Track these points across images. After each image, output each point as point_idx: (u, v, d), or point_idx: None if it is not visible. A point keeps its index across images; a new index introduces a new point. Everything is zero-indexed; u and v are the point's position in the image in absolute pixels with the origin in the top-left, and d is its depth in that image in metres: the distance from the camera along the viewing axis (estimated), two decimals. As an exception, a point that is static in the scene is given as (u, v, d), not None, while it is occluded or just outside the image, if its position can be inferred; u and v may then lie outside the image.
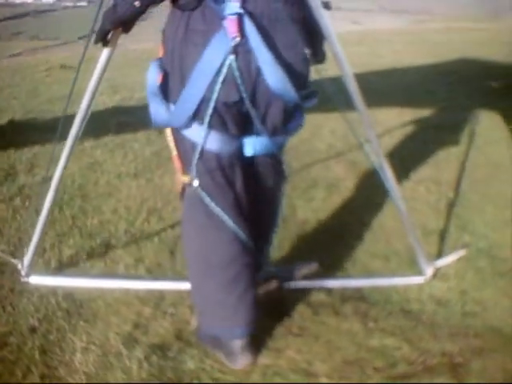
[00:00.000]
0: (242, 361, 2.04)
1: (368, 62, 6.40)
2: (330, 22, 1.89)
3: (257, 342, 2.10)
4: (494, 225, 2.94)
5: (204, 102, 1.83)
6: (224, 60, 1.77)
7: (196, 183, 1.96)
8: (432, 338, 2.15)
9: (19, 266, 2.51)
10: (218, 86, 1.80)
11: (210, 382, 1.98)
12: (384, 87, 5.51)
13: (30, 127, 4.53)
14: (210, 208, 1.98)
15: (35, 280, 2.52)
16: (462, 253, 2.63)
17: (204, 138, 1.90)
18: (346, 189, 3.45)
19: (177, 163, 2.10)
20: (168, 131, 2.07)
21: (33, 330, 2.23)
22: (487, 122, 4.61)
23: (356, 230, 2.95)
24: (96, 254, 2.79)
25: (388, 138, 4.10)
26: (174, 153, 2.09)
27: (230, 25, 1.74)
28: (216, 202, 1.97)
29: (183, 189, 2.10)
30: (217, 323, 2.09)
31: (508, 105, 4.84)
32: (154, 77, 1.91)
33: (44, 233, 2.52)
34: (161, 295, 2.44)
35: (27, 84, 6.20)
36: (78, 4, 15.30)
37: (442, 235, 2.86)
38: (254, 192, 2.11)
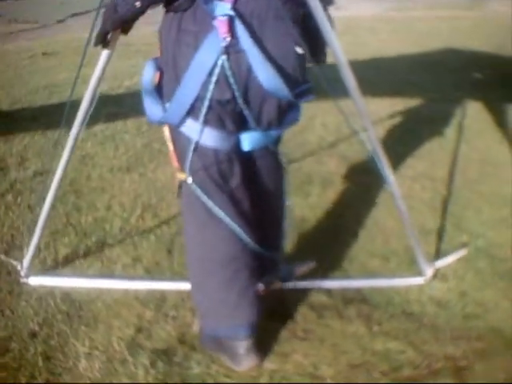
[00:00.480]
0: (247, 362, 2.03)
1: (353, 51, 6.37)
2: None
3: (262, 344, 2.09)
4: (490, 223, 2.95)
5: (198, 99, 1.85)
6: (216, 60, 1.79)
7: (190, 180, 1.97)
8: (435, 341, 2.17)
9: (19, 267, 2.48)
10: (211, 86, 1.82)
11: (217, 387, 1.98)
12: (370, 77, 5.47)
13: (18, 118, 4.45)
14: (206, 205, 1.98)
15: (34, 281, 2.48)
16: (462, 253, 2.64)
17: (199, 133, 1.91)
18: (341, 184, 3.44)
19: (174, 160, 2.09)
20: (165, 128, 2.07)
21: (33, 334, 2.20)
22: (475, 114, 4.62)
23: (353, 229, 2.94)
24: (92, 253, 2.75)
25: (376, 128, 4.06)
26: (171, 149, 2.09)
27: (221, 26, 1.76)
28: (212, 198, 1.98)
29: (180, 186, 2.09)
30: (219, 323, 2.08)
31: (495, 96, 4.87)
32: (149, 75, 1.93)
33: (43, 233, 2.48)
34: (161, 297, 2.42)
35: (11, 72, 6.09)
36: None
37: (440, 234, 2.87)
38: (255, 187, 2.12)
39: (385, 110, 4.65)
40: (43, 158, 3.68)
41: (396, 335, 2.19)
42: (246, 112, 1.90)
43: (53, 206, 2.83)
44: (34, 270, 2.53)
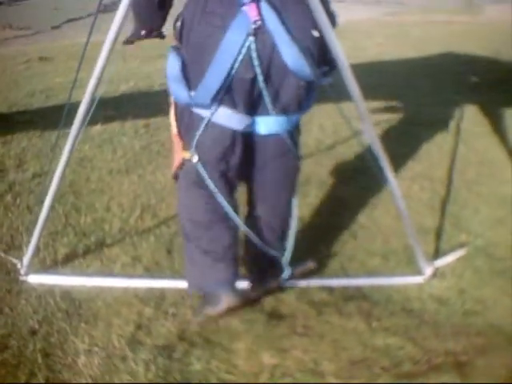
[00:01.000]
0: (226, 303, 2.17)
1: (352, 55, 6.37)
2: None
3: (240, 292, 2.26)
4: (488, 223, 2.97)
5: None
6: (244, 41, 1.89)
7: (195, 159, 2.07)
8: (435, 336, 2.17)
9: (18, 266, 2.47)
10: (237, 65, 1.91)
11: (218, 382, 1.97)
12: (369, 81, 5.49)
13: (15, 121, 4.45)
14: (201, 177, 2.09)
15: (34, 279, 2.48)
16: (461, 252, 2.65)
17: (213, 111, 2.00)
18: (339, 185, 3.45)
19: (177, 141, 2.18)
20: (172, 110, 2.16)
21: (33, 332, 2.19)
22: (473, 117, 4.65)
23: (352, 228, 2.96)
24: (91, 252, 2.75)
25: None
26: (175, 130, 2.17)
27: (251, 9, 1.88)
28: (209, 173, 2.08)
29: (181, 166, 2.18)
30: (202, 280, 2.25)
31: (493, 99, 4.90)
32: (174, 64, 2.01)
33: (43, 232, 2.48)
34: (161, 295, 2.42)
35: (7, 77, 6.11)
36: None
37: (438, 234, 2.88)
38: (262, 176, 2.21)
39: (384, 113, 4.66)
40: (41, 160, 3.68)
41: (396, 331, 2.19)
42: (265, 92, 1.97)
43: (52, 207, 2.84)
44: (33, 268, 2.52)
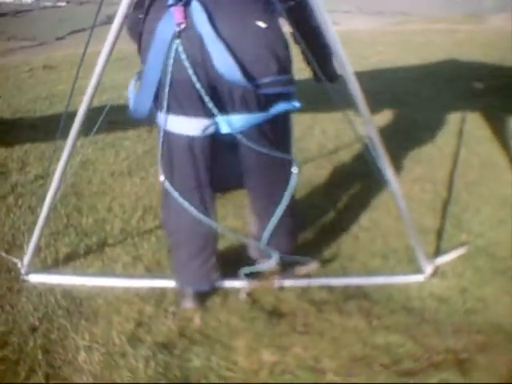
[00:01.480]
0: (186, 303, 2.32)
1: (354, 63, 6.39)
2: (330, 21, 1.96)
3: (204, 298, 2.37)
4: (489, 224, 2.96)
5: (160, 86, 1.94)
6: (171, 44, 1.86)
7: (162, 178, 2.10)
8: (436, 334, 2.16)
9: (19, 265, 2.48)
10: (170, 68, 1.89)
11: (218, 380, 1.97)
12: (371, 88, 5.50)
13: (18, 126, 4.48)
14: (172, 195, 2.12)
15: (34, 278, 2.48)
16: (461, 251, 2.65)
17: (164, 120, 2.00)
18: (341, 188, 3.45)
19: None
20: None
21: (33, 329, 2.20)
22: (475, 122, 4.64)
23: (353, 229, 2.95)
24: (93, 252, 2.76)
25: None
26: None
27: (177, 12, 1.83)
28: (176, 187, 2.11)
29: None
30: (185, 282, 2.36)
31: (492, 105, 4.90)
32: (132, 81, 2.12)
33: (43, 232, 2.48)
34: (161, 293, 2.42)
35: (11, 84, 6.17)
36: (58, 4, 15.16)
37: (439, 234, 2.87)
38: (251, 178, 2.20)
39: (385, 120, 4.67)
40: (43, 163, 3.70)
41: (396, 329, 2.19)
42: (202, 92, 1.90)
43: (53, 207, 2.85)
44: (34, 268, 2.53)
